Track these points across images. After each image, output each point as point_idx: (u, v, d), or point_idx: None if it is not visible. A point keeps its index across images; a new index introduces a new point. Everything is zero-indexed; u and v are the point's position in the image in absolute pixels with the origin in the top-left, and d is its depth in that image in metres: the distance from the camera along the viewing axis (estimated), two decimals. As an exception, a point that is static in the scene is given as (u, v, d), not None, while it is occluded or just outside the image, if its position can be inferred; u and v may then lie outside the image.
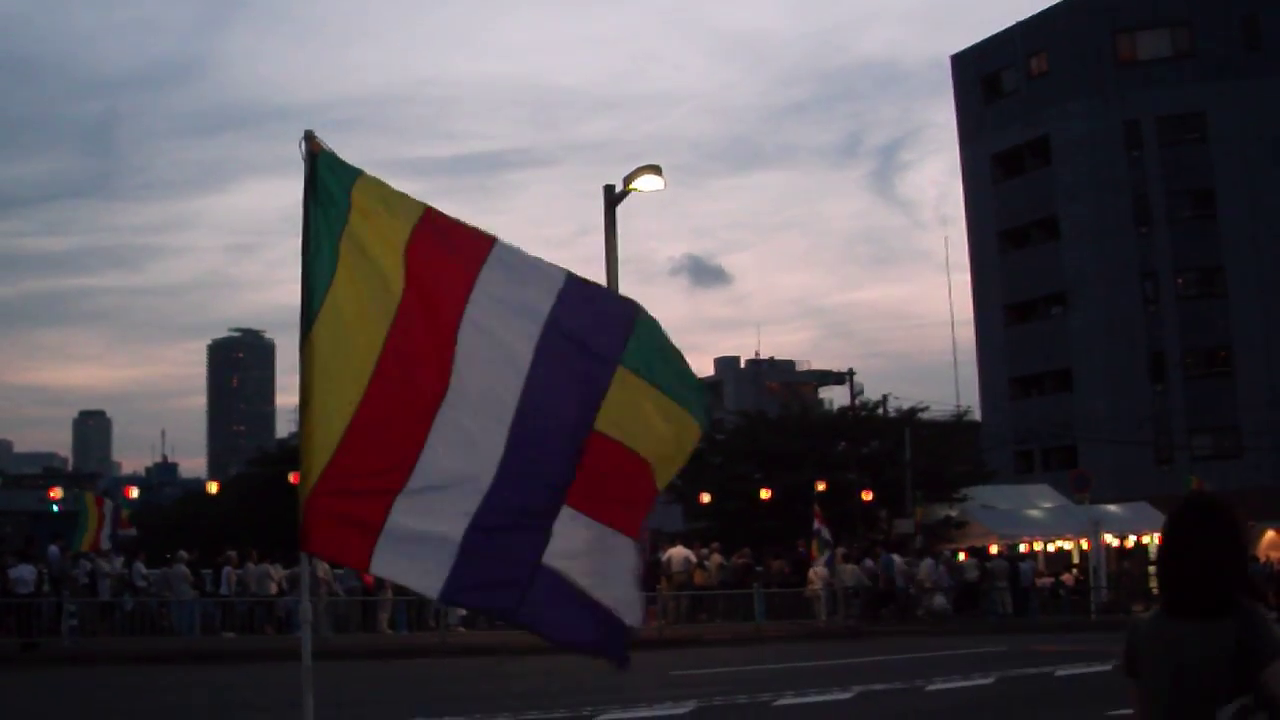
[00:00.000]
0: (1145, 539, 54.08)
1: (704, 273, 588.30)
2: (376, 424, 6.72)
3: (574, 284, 7.00)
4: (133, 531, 34.33)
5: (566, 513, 6.86)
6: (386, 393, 6.74)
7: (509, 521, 6.80)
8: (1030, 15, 74.37)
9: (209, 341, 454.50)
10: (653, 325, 7.12)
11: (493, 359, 6.86)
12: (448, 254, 6.94)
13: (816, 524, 40.93)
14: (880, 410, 61.56)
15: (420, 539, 6.76)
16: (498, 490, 6.78)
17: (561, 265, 7.05)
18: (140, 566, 35.22)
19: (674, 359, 7.17)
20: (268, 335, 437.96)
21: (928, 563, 45.52)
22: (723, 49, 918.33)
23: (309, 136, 6.82)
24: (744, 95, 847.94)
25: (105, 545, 32.90)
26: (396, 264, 6.83)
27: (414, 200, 6.98)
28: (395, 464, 6.75)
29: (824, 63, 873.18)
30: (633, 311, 7.12)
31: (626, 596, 7.04)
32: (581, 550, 6.89)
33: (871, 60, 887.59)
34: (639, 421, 6.99)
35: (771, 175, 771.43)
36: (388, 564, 6.84)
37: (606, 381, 6.93)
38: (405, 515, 6.74)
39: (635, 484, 7.03)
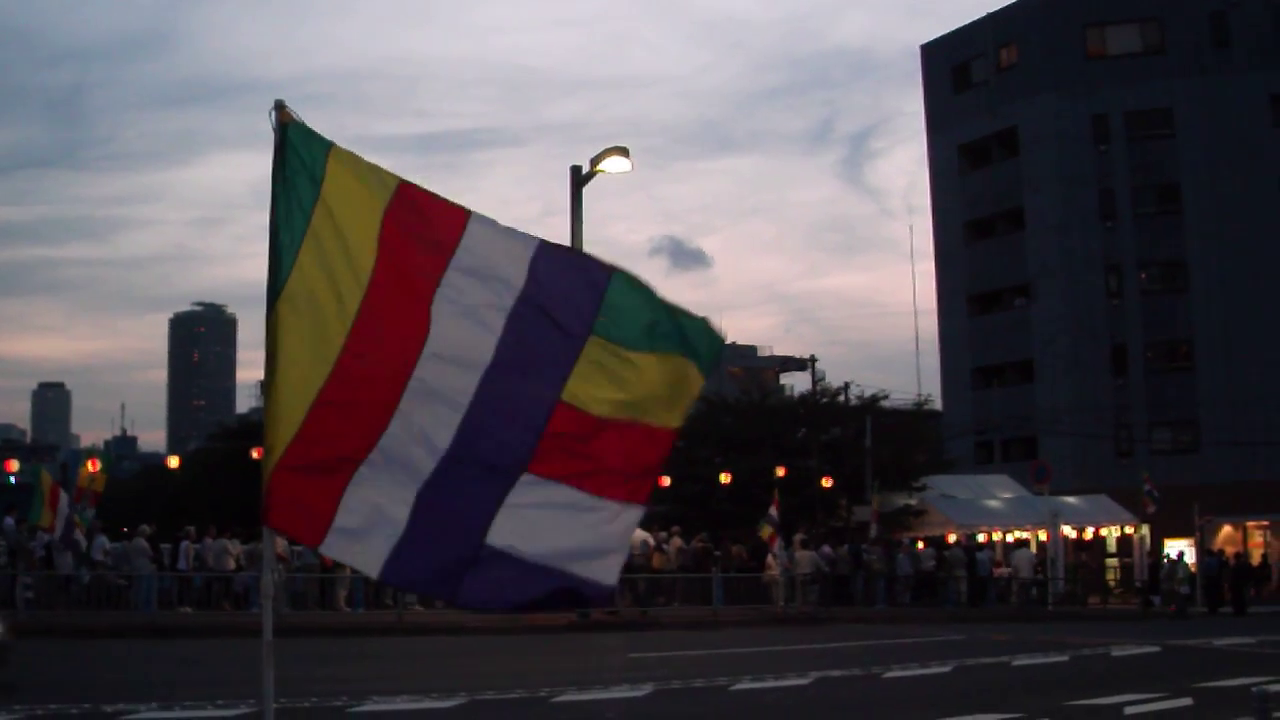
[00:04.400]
0: (1103, 531, 54.52)
1: (683, 255, 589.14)
2: (344, 400, 6.67)
3: (546, 252, 6.97)
4: (81, 541, 32.72)
5: (528, 479, 6.83)
6: (356, 369, 6.69)
7: (457, 499, 6.76)
8: (1001, 7, 74.54)
9: (171, 315, 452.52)
10: (628, 285, 7.06)
11: (463, 337, 6.83)
12: (423, 228, 6.89)
13: (772, 509, 41.02)
14: (842, 398, 61.71)
15: (369, 517, 6.72)
16: (449, 468, 6.75)
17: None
18: (104, 540, 34.98)
19: (653, 311, 7.11)
20: (230, 310, 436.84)
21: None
22: (696, 33, 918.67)
23: (279, 106, 6.76)
24: (717, 80, 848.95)
25: (56, 537, 32.21)
26: (370, 238, 6.78)
27: (388, 173, 6.93)
28: (360, 442, 6.70)
29: (797, 49, 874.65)
30: (606, 276, 7.08)
31: (600, 561, 7.04)
32: (543, 519, 6.87)
33: (845, 48, 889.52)
34: (616, 386, 6.96)
35: (742, 160, 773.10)
36: (337, 543, 6.79)
37: (576, 353, 6.91)
38: (359, 494, 6.70)
39: (621, 450, 7.01)
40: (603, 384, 6.93)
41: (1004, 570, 48.88)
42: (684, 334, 7.07)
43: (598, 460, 6.96)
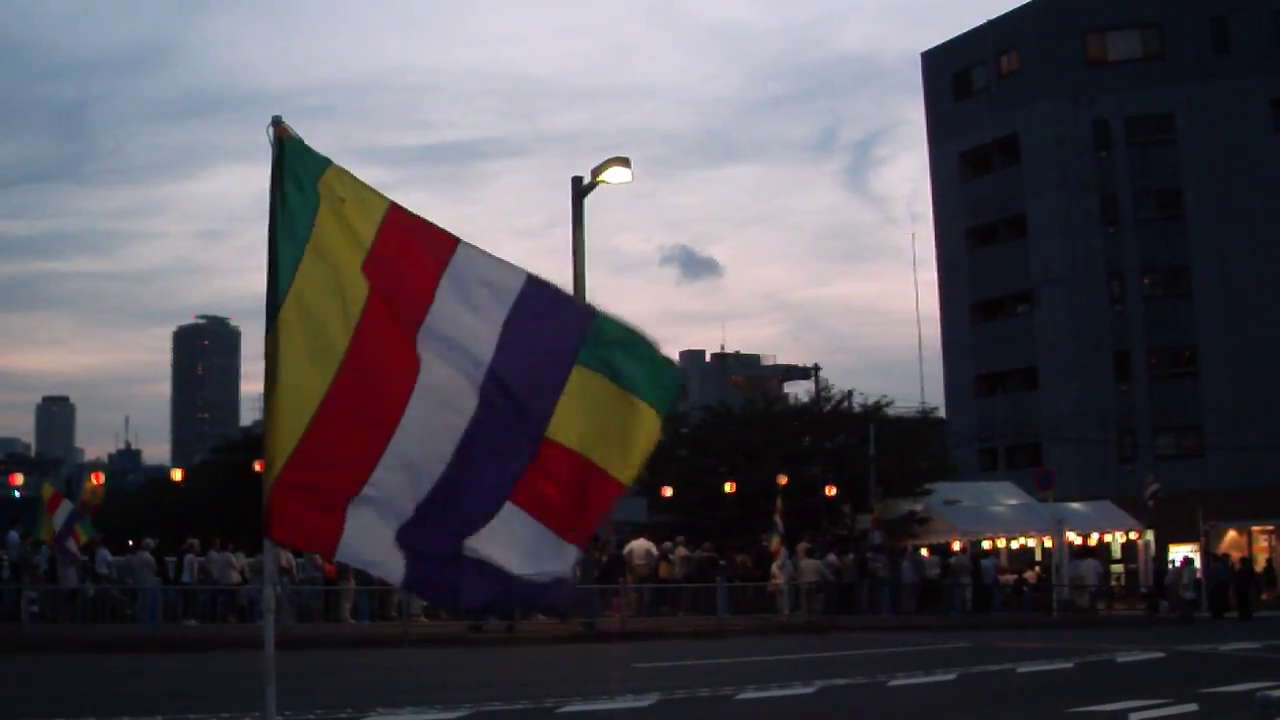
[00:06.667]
0: (1108, 537, 54.46)
1: (694, 264, 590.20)
2: (343, 412, 6.70)
3: (533, 285, 7.04)
4: (80, 556, 32.44)
5: (508, 508, 6.92)
6: (354, 382, 6.73)
7: (450, 514, 6.84)
8: (1002, 14, 74.56)
9: (174, 328, 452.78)
10: (610, 322, 7.16)
11: (455, 356, 6.88)
12: (414, 249, 6.96)
13: (776, 516, 40.98)
14: (845, 405, 61.62)
15: (382, 526, 6.77)
16: (446, 483, 6.82)
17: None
18: (106, 554, 34.98)
19: (635, 349, 7.18)
20: (234, 323, 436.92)
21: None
22: (699, 42, 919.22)
23: (276, 122, 6.80)
24: (719, 88, 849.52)
25: (69, 547, 32.15)
26: (363, 255, 6.82)
27: (379, 194, 6.98)
28: (361, 453, 6.74)
29: (800, 57, 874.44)
30: (589, 312, 7.18)
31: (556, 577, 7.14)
32: (512, 545, 6.96)
33: (848, 56, 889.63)
34: (595, 423, 7.05)
35: (745, 169, 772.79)
36: (353, 551, 6.84)
37: (561, 383, 6.98)
38: (369, 503, 6.74)
39: (583, 491, 7.08)
40: (577, 414, 7.02)
41: (1008, 577, 48.86)
42: (650, 375, 7.16)
43: (554, 494, 7.06)
